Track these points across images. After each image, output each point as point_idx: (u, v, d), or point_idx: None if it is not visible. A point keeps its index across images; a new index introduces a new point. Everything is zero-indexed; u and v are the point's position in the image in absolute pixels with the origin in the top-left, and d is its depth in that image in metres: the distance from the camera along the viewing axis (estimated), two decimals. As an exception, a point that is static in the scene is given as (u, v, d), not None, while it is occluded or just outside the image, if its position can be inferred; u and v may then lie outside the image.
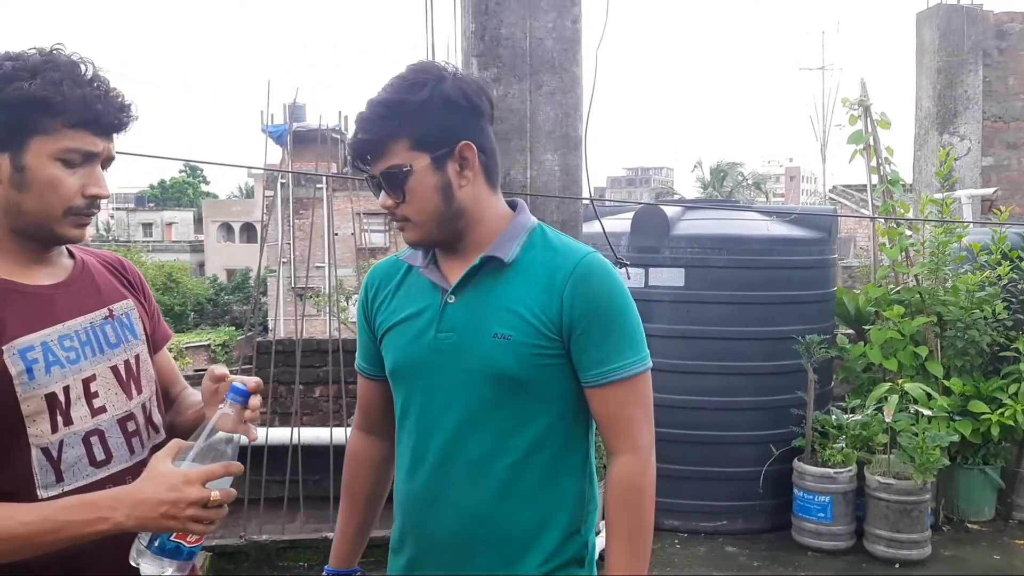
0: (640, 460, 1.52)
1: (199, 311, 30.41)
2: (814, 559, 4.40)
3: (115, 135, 1.41)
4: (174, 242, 44.32)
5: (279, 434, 4.68)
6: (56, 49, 1.36)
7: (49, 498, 1.34)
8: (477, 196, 1.53)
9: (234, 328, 27.39)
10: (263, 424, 4.92)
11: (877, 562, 4.33)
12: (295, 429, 4.61)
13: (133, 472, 1.41)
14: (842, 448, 4.48)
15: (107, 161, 1.41)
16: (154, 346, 1.60)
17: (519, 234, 1.55)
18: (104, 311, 1.47)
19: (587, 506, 1.60)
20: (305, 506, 4.44)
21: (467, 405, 1.50)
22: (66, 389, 1.37)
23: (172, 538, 1.31)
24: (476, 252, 1.53)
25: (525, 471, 1.52)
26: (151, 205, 57.63)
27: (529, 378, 1.49)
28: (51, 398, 1.35)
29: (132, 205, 55.85)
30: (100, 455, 1.41)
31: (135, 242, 40.58)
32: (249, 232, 40.22)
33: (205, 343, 24.19)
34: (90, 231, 1.48)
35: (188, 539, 1.32)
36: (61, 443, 1.37)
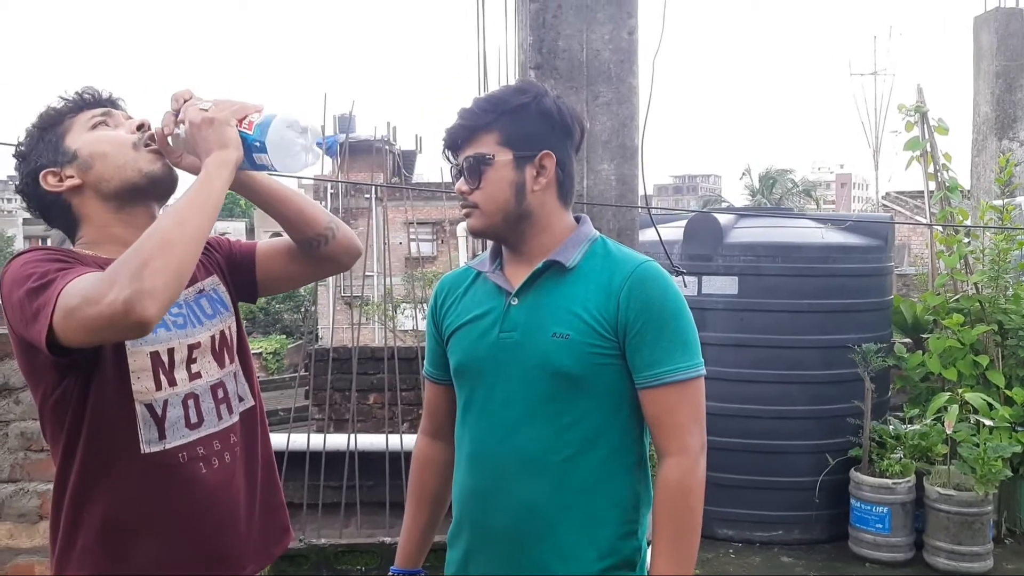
0: (688, 462, 1.55)
1: (251, 319, 30.85)
2: (872, 570, 4.34)
3: (115, 107, 1.59)
4: (226, 252, 44.88)
5: (336, 440, 4.76)
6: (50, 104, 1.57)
7: (152, 453, 1.46)
8: (546, 204, 1.62)
9: (285, 336, 27.75)
10: (319, 431, 5.00)
11: (937, 574, 4.26)
12: (351, 436, 4.68)
13: (220, 437, 1.54)
14: (900, 458, 4.42)
15: (132, 123, 1.56)
16: (248, 254, 1.73)
17: (581, 243, 1.64)
18: (198, 286, 1.58)
19: (641, 508, 1.64)
20: (361, 511, 4.51)
21: (525, 400, 1.57)
22: (171, 351, 1.48)
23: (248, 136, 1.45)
24: (540, 258, 1.62)
25: (578, 467, 1.57)
26: (204, 216, 58.64)
27: (585, 376, 1.56)
28: (155, 357, 1.46)
29: (186, 216, 56.72)
30: (194, 418, 1.51)
31: (189, 252, 41.15)
32: (299, 242, 40.76)
33: (257, 351, 24.54)
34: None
35: (242, 124, 1.45)
36: (166, 402, 1.48)
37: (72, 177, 1.51)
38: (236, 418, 1.60)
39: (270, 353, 24.70)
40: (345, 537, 4.34)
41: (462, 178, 1.61)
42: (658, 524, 1.55)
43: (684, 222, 4.87)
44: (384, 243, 5.69)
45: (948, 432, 4.30)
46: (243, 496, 1.58)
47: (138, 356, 1.45)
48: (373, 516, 4.58)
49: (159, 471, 1.46)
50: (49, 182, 1.52)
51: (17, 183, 1.59)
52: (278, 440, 4.82)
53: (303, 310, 30.36)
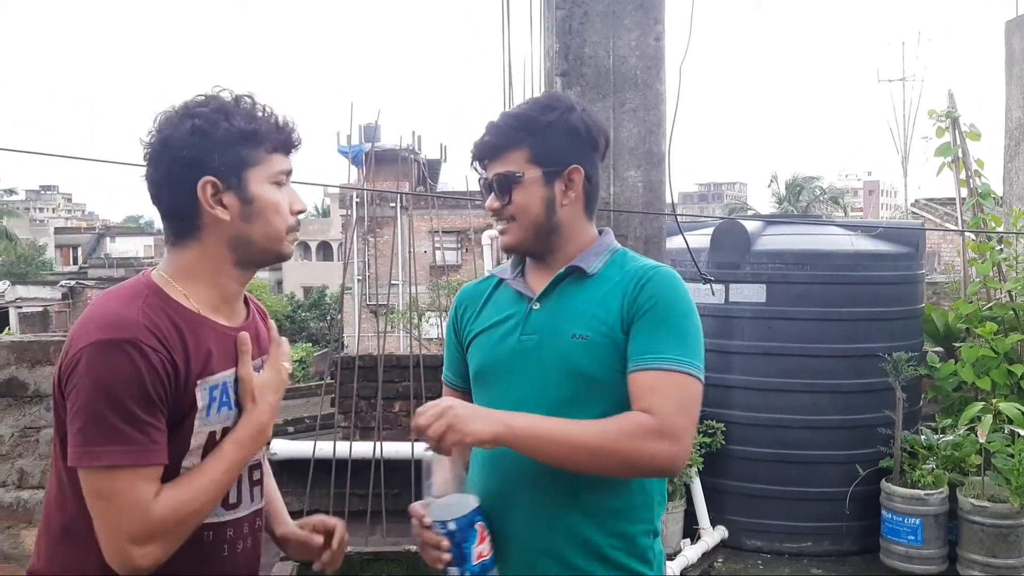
0: (656, 425, 1.46)
1: (277, 328, 31.08)
2: (904, 583, 4.27)
3: (293, 151, 1.51)
4: (253, 261, 45.26)
5: (361, 448, 4.76)
6: (216, 88, 1.45)
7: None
8: (574, 218, 1.66)
9: (311, 344, 27.90)
10: (345, 439, 5.01)
11: (972, 588, 4.18)
12: (377, 443, 4.69)
13: (249, 520, 1.49)
14: (932, 469, 4.35)
15: (296, 202, 1.50)
16: None
17: (603, 252, 1.68)
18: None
19: (656, 509, 1.66)
20: (387, 519, 4.50)
21: (543, 403, 1.56)
22: (224, 430, 1.42)
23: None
24: (562, 265, 1.65)
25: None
26: (231, 225, 59.23)
27: (604, 377, 1.57)
28: (211, 437, 1.40)
29: (213, 225, 57.43)
30: (232, 498, 1.46)
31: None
32: (325, 251, 41.02)
33: (283, 359, 24.67)
34: None
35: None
36: None
37: (226, 209, 1.40)
38: (263, 502, 1.57)
39: (296, 361, 24.85)
40: (371, 545, 4.34)
41: (492, 195, 1.64)
42: (591, 422, 1.50)
43: (711, 229, 4.84)
44: (409, 252, 5.71)
45: (982, 442, 4.23)
46: None
47: (200, 435, 1.39)
48: (399, 524, 4.57)
49: (183, 545, 1.38)
50: (206, 192, 1.39)
51: (156, 148, 1.40)
52: (304, 447, 4.83)
53: (329, 318, 30.54)
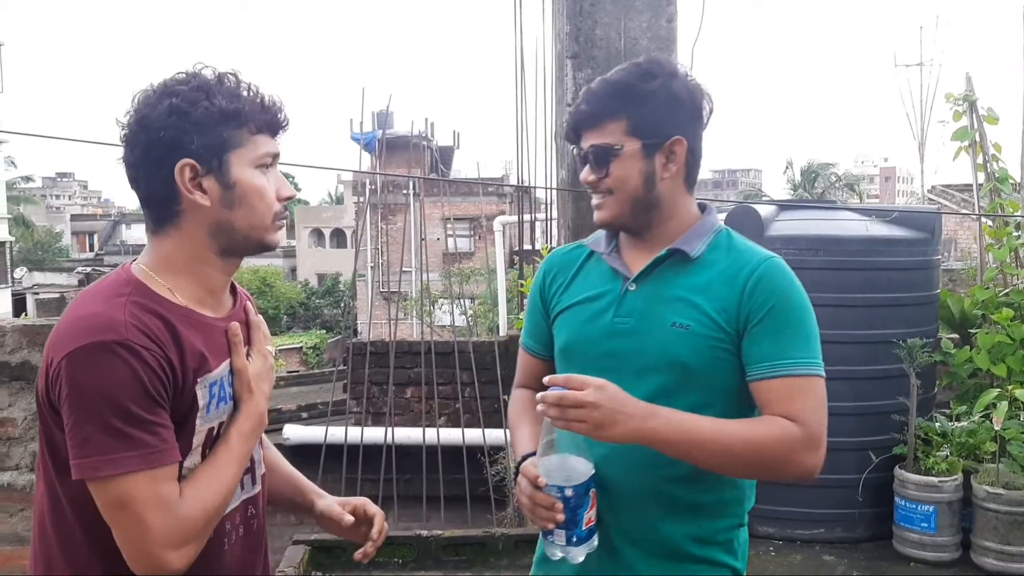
0: (800, 433, 1.44)
1: (291, 314, 31.26)
2: (917, 570, 4.25)
3: (280, 133, 1.42)
4: (267, 248, 45.39)
5: (373, 434, 4.79)
6: (199, 65, 1.37)
7: None
8: (674, 192, 1.58)
9: (325, 331, 28.05)
10: (357, 424, 5.03)
11: (985, 575, 4.15)
12: (388, 429, 4.70)
13: (240, 509, 1.45)
14: (947, 456, 4.32)
15: (284, 189, 1.43)
16: None
17: (707, 233, 1.59)
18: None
19: (744, 504, 1.62)
20: (398, 504, 4.52)
21: (637, 391, 1.47)
22: (220, 425, 1.39)
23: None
24: (662, 245, 1.57)
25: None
26: (245, 212, 59.40)
27: (702, 369, 1.51)
28: (209, 433, 1.36)
29: (228, 212, 57.65)
30: None
31: (231, 248, 41.63)
32: (339, 238, 41.09)
33: (297, 345, 24.85)
34: None
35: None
36: None
37: (206, 194, 1.33)
38: (259, 487, 1.52)
39: (310, 347, 25.00)
40: (382, 530, 4.35)
41: (588, 167, 1.56)
42: (739, 422, 1.48)
43: (724, 215, 4.81)
44: (421, 239, 5.70)
45: (997, 429, 4.19)
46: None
47: (201, 433, 1.34)
48: (410, 509, 4.60)
49: None
50: (184, 176, 1.31)
51: (133, 128, 1.32)
52: (316, 433, 4.86)
53: (343, 305, 30.66)
